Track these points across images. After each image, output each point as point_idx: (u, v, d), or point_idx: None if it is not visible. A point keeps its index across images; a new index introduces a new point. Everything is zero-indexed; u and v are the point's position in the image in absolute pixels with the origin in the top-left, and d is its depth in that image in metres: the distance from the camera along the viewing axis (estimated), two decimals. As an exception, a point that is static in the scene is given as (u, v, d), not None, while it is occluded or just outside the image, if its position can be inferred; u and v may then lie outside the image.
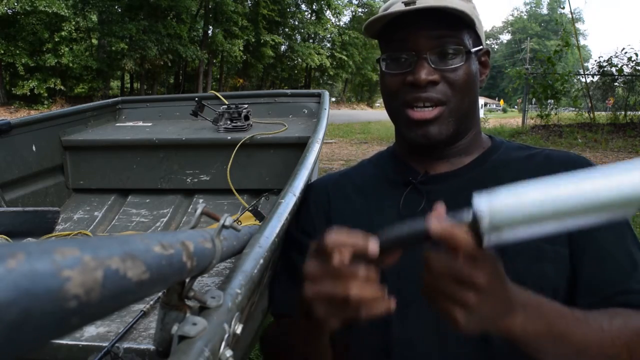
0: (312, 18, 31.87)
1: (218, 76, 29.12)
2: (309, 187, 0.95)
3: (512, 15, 74.45)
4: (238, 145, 1.82)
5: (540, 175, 0.75)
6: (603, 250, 0.70)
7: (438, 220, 0.51)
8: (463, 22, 0.75)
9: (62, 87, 20.27)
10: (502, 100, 46.97)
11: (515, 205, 0.48)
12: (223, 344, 0.45)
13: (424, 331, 0.72)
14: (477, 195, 0.50)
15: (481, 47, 0.80)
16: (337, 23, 34.02)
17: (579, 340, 0.59)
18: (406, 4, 0.73)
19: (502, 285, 0.54)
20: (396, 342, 0.73)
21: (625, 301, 0.66)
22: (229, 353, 0.44)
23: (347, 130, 12.71)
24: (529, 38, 60.63)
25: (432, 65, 0.74)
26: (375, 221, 0.80)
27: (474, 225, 0.50)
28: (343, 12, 32.86)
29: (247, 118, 1.99)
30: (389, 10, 0.75)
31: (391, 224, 0.79)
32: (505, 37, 73.31)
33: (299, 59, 30.62)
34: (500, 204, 0.48)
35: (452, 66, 0.75)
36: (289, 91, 2.30)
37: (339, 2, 31.83)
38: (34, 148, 1.83)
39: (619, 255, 0.70)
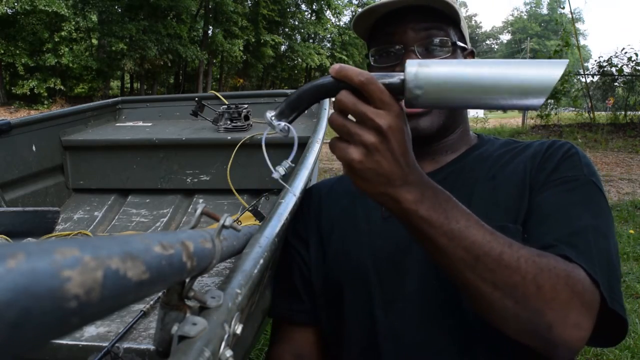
0: (312, 18, 31.86)
1: (218, 76, 29.12)
2: (305, 192, 0.96)
3: (512, 15, 74.45)
4: (238, 145, 1.81)
5: (512, 164, 0.76)
6: (545, 213, 0.68)
7: (339, 65, 0.55)
8: (448, 18, 0.77)
9: (62, 87, 20.28)
10: (502, 100, 46.82)
11: (438, 73, 0.54)
12: (223, 344, 0.44)
13: (409, 323, 0.73)
14: (410, 60, 0.56)
15: (466, 45, 0.82)
16: (337, 23, 34.00)
17: (479, 244, 0.56)
18: None
19: (402, 142, 0.55)
20: (383, 335, 0.74)
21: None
22: (229, 353, 0.44)
23: (347, 130, 12.64)
24: (529, 38, 60.59)
25: (420, 57, 0.75)
26: (360, 221, 0.81)
27: (401, 85, 0.55)
28: (343, 12, 32.83)
29: (247, 118, 1.99)
30: (376, 3, 0.76)
31: (375, 226, 0.80)
32: (505, 37, 73.29)
33: (299, 59, 30.61)
34: (427, 69, 0.54)
35: (439, 57, 0.76)
36: (288, 91, 2.30)
37: (339, 2, 31.81)
38: (34, 148, 1.83)
39: (558, 218, 0.67)
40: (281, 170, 0.58)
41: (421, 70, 0.54)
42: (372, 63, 0.81)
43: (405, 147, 0.55)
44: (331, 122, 0.57)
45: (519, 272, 0.55)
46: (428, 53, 0.76)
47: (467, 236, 0.56)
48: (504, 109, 0.57)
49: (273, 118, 0.58)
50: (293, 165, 0.59)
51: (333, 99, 0.58)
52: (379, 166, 0.54)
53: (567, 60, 0.56)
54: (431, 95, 0.55)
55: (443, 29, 0.77)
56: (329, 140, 0.59)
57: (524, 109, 0.58)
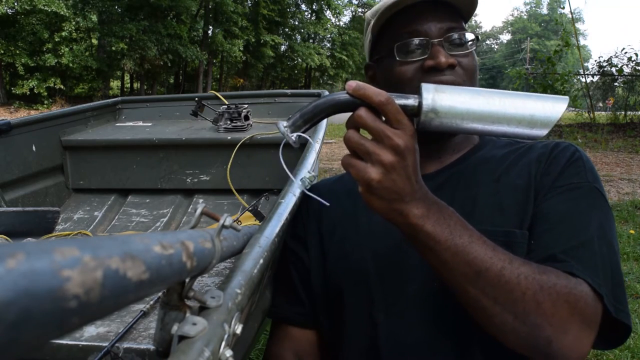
0: (312, 18, 31.85)
1: (218, 76, 29.12)
2: (303, 194, 0.95)
3: (512, 15, 74.44)
4: (238, 145, 1.82)
5: (517, 167, 0.76)
6: (551, 222, 0.69)
7: (356, 83, 0.58)
8: (461, 15, 0.78)
9: (62, 87, 20.28)
10: (502, 100, 46.77)
11: (453, 100, 0.58)
12: (223, 344, 0.44)
13: (410, 325, 0.73)
14: (426, 84, 0.60)
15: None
16: (337, 23, 33.99)
17: (480, 260, 0.57)
18: None
19: (415, 160, 0.57)
20: (383, 337, 0.74)
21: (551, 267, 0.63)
22: (229, 353, 0.44)
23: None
24: (529, 38, 60.54)
25: (446, 51, 0.76)
26: (361, 222, 0.81)
27: (416, 107, 0.59)
28: (343, 12, 32.82)
29: (247, 118, 1.99)
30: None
31: (377, 227, 0.80)
32: (505, 37, 73.20)
33: (299, 59, 30.60)
34: (443, 95, 0.58)
35: (464, 52, 0.77)
36: (288, 91, 2.30)
37: (339, 2, 31.80)
38: (34, 148, 1.83)
39: (564, 227, 0.67)
40: (306, 182, 0.62)
41: (438, 96, 0.58)
42: (397, 58, 0.78)
43: (417, 165, 0.58)
44: (348, 139, 0.58)
45: (519, 288, 0.57)
46: (453, 47, 0.76)
47: (470, 251, 0.58)
48: (510, 137, 0.61)
49: (287, 129, 0.60)
50: (315, 174, 0.62)
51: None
52: (394, 184, 0.56)
53: (568, 98, 0.61)
54: (445, 120, 0.58)
55: (462, 25, 0.78)
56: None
57: (528, 139, 0.61)
